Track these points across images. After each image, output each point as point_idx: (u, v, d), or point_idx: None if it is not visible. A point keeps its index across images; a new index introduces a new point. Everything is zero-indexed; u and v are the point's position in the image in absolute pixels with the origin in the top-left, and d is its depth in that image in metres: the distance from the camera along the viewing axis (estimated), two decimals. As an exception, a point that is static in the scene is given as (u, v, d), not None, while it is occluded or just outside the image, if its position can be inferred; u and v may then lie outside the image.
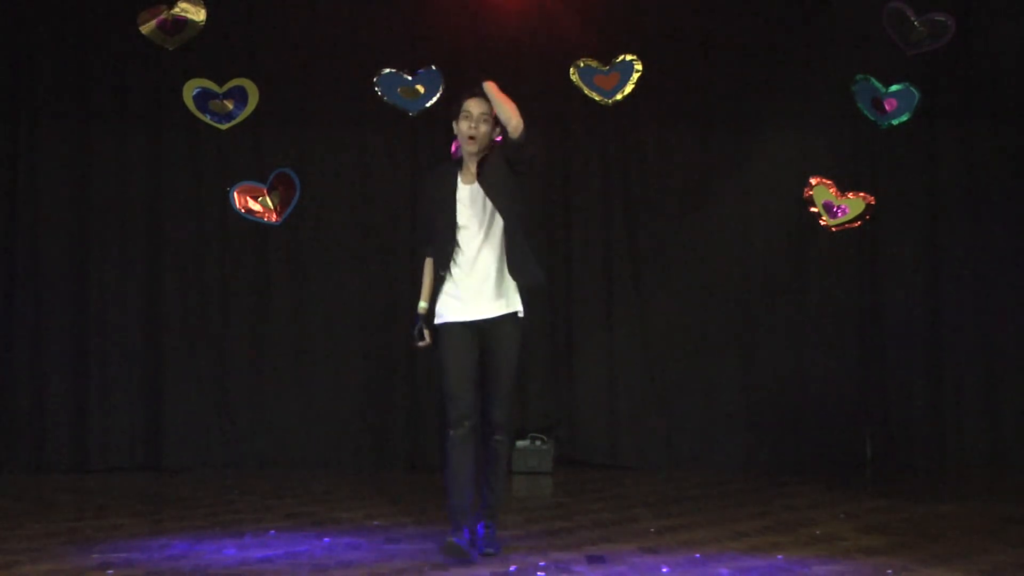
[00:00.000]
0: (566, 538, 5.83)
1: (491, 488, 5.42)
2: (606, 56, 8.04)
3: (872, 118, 7.97)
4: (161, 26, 7.77)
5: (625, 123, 8.50)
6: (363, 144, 8.54)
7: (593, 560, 5.39)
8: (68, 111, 8.38)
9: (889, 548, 5.64)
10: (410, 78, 7.95)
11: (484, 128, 5.18)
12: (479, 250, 5.18)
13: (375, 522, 6.36)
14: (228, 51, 8.30)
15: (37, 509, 6.86)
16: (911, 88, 7.97)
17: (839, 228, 8.21)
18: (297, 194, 8.27)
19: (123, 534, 6.08)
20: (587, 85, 8.04)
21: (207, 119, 7.96)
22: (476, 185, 5.19)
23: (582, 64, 8.04)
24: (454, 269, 5.19)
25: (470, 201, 5.18)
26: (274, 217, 8.26)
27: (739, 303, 8.52)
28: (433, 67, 7.94)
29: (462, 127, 5.18)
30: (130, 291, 8.40)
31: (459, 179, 5.24)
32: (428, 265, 5.30)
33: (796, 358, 8.48)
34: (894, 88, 8.00)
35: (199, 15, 7.76)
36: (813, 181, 8.24)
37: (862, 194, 8.24)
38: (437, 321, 5.20)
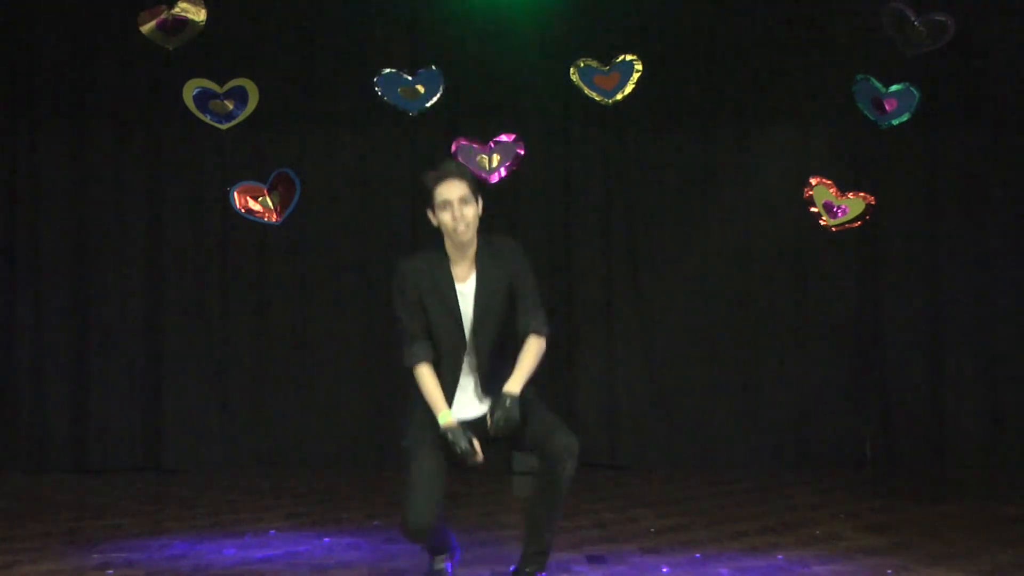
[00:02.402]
0: (566, 538, 5.83)
1: (548, 527, 4.51)
2: (606, 56, 8.04)
3: (872, 118, 7.96)
4: (161, 26, 7.75)
5: (625, 123, 8.50)
6: (363, 144, 8.55)
7: (593, 560, 5.39)
8: (68, 111, 8.38)
9: (889, 548, 5.64)
10: (410, 78, 7.95)
11: (470, 211, 4.37)
12: (477, 356, 4.44)
13: (375, 522, 6.36)
14: (228, 51, 8.30)
15: (37, 509, 6.87)
16: (911, 88, 7.95)
17: (839, 228, 8.20)
18: (297, 194, 8.26)
19: (123, 534, 6.08)
20: (587, 85, 8.03)
21: (207, 119, 7.95)
22: (471, 284, 4.44)
23: (582, 64, 8.04)
24: (463, 375, 4.42)
25: (464, 304, 4.42)
26: (274, 217, 8.25)
27: (739, 303, 8.52)
28: (433, 67, 7.93)
29: (444, 219, 4.35)
30: (130, 291, 8.40)
31: (452, 271, 4.45)
32: (427, 371, 4.37)
33: (796, 358, 8.48)
34: (894, 88, 7.98)
35: (199, 15, 7.74)
36: (813, 181, 8.23)
37: (862, 194, 8.23)
38: (424, 414, 4.39)
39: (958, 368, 8.47)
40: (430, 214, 4.44)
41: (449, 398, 4.38)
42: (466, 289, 4.42)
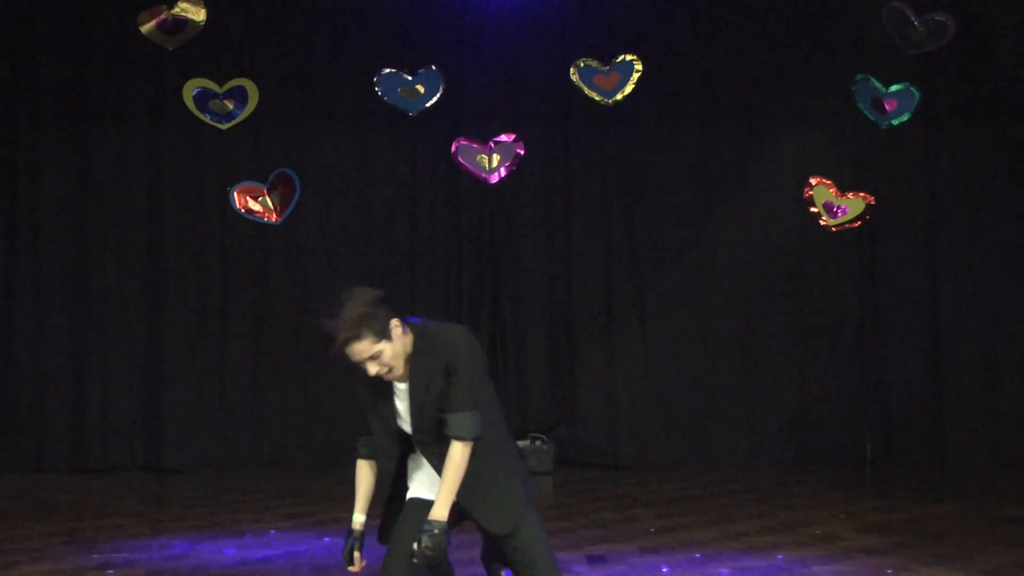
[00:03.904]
0: (566, 538, 5.83)
1: None
2: (606, 56, 8.04)
3: (872, 118, 7.96)
4: (161, 26, 7.75)
5: (625, 123, 8.50)
6: (363, 144, 8.55)
7: (593, 560, 5.39)
8: (68, 111, 8.39)
9: (889, 548, 5.64)
10: (410, 78, 7.95)
11: (385, 357, 3.81)
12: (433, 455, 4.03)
13: (375, 522, 6.35)
14: (228, 51, 8.31)
15: (37, 509, 6.87)
16: (911, 88, 7.96)
17: (839, 228, 8.20)
18: (297, 194, 8.26)
19: (123, 534, 6.08)
20: (587, 85, 8.03)
21: (207, 119, 7.95)
22: (406, 388, 3.99)
23: (582, 64, 8.04)
24: (413, 463, 4.10)
25: (406, 404, 4.01)
26: (274, 217, 8.25)
27: (739, 303, 8.52)
28: (433, 67, 7.93)
29: (366, 369, 3.86)
30: (130, 291, 8.40)
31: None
32: (363, 468, 4.09)
33: (796, 358, 8.48)
34: (894, 88, 7.99)
35: (199, 15, 7.74)
36: (813, 181, 8.23)
37: (862, 194, 8.23)
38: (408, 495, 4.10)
39: (958, 368, 8.47)
40: None
41: (398, 485, 4.09)
42: (405, 388, 3.99)
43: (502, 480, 3.94)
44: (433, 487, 4.01)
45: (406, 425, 3.99)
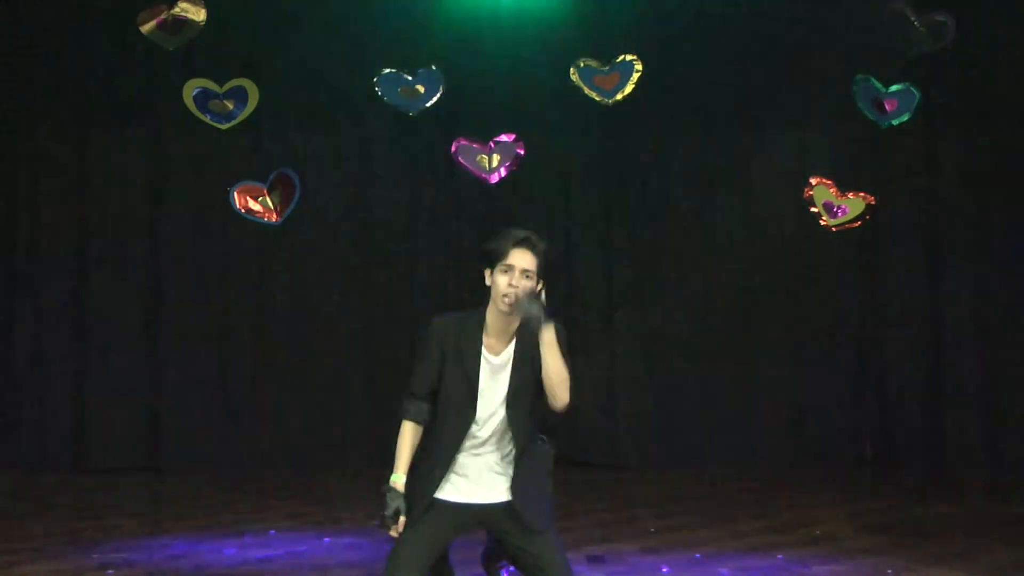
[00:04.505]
0: (566, 538, 5.80)
1: None
2: (606, 56, 8.04)
3: (872, 118, 7.96)
4: (161, 26, 7.75)
5: (625, 123, 8.50)
6: (363, 144, 8.55)
7: (593, 560, 5.39)
8: (69, 111, 8.38)
9: (889, 548, 5.64)
10: (410, 78, 7.95)
11: (526, 284, 4.01)
12: (493, 436, 4.14)
13: (375, 522, 6.33)
14: (228, 51, 8.30)
15: (37, 509, 6.87)
16: (911, 88, 7.95)
17: (839, 228, 8.19)
18: (297, 194, 8.25)
19: (123, 534, 6.09)
20: (587, 85, 8.03)
21: (207, 119, 7.95)
22: (506, 356, 4.12)
23: (582, 64, 8.04)
24: (460, 453, 4.14)
25: (492, 377, 4.11)
26: (274, 217, 8.24)
27: (739, 303, 8.52)
28: (433, 67, 7.93)
29: (499, 282, 4.00)
30: (130, 291, 8.40)
31: (483, 344, 4.11)
32: (409, 429, 4.18)
33: (796, 358, 8.48)
34: (894, 88, 7.98)
35: (199, 15, 7.73)
36: (813, 181, 8.22)
37: (862, 194, 8.22)
38: (433, 495, 4.12)
39: (958, 368, 8.47)
40: (487, 272, 4.07)
41: (441, 473, 4.13)
42: (499, 361, 4.11)
43: (544, 484, 4.21)
44: (465, 493, 4.10)
45: (482, 399, 4.09)
